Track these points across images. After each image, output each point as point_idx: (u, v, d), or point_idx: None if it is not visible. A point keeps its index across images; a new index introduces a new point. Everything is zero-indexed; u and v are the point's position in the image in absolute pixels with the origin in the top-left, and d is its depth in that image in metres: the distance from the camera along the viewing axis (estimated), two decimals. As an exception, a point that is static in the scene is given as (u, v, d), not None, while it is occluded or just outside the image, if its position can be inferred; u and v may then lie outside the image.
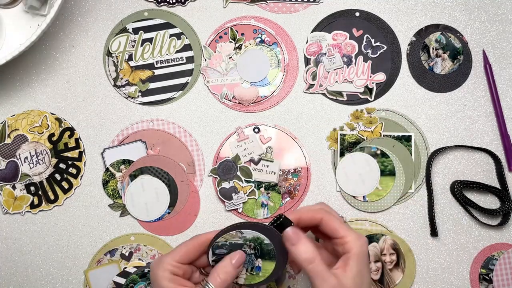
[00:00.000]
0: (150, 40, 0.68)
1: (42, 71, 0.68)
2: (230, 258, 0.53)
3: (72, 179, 0.67)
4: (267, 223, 0.53)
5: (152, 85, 0.68)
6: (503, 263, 0.67)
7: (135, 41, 0.68)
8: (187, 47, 0.69)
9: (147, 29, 0.69)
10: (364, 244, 0.53)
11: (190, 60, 0.68)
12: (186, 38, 0.69)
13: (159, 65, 0.68)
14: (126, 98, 0.68)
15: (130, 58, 0.68)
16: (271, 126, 0.68)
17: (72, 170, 0.67)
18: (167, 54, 0.68)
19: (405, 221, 0.67)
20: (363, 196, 0.67)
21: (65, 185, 0.66)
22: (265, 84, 0.68)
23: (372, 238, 0.66)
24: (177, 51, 0.68)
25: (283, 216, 0.52)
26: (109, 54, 0.68)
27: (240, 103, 0.68)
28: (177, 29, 0.69)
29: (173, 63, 0.68)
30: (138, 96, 0.68)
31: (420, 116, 0.68)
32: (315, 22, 0.69)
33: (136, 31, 0.68)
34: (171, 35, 0.69)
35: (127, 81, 0.68)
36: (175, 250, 0.53)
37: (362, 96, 0.68)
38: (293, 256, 0.52)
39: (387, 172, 0.67)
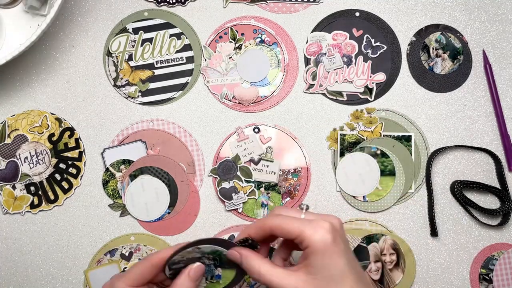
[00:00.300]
0: (150, 40, 0.68)
1: (42, 71, 0.68)
2: (188, 271, 0.50)
3: (72, 179, 0.67)
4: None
5: (152, 85, 0.68)
6: (503, 263, 0.67)
7: (135, 41, 0.68)
8: (187, 47, 0.69)
9: (147, 29, 0.69)
10: (324, 234, 0.47)
11: (190, 60, 0.68)
12: (186, 38, 0.69)
13: (159, 65, 0.68)
14: (126, 98, 0.68)
15: (130, 58, 0.68)
16: (271, 126, 0.68)
17: (72, 170, 0.67)
18: (167, 54, 0.68)
19: (405, 221, 0.67)
20: (363, 196, 0.67)
21: (65, 185, 0.66)
22: (265, 84, 0.68)
23: (372, 238, 0.66)
24: (177, 51, 0.68)
25: (249, 240, 0.50)
26: (109, 54, 0.68)
27: (240, 103, 0.68)
28: (177, 29, 0.69)
29: (173, 63, 0.68)
30: (138, 96, 0.68)
31: (420, 116, 0.68)
32: (315, 22, 0.69)
33: (136, 31, 0.68)
34: (171, 35, 0.69)
35: (127, 81, 0.68)
36: (127, 273, 0.51)
37: (362, 96, 0.68)
38: (246, 271, 0.50)
39: (387, 172, 0.67)
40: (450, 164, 0.68)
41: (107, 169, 0.67)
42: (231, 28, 0.69)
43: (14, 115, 0.67)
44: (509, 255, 0.67)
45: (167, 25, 0.69)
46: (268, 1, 0.69)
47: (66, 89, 0.68)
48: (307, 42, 0.69)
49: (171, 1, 0.69)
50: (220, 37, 0.69)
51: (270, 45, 0.69)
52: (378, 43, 0.69)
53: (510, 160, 0.68)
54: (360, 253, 0.66)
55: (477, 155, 0.68)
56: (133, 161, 0.67)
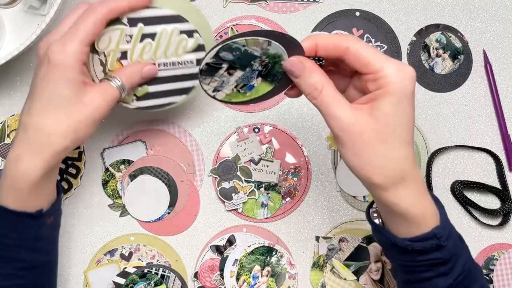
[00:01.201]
0: (152, 36, 0.53)
1: (42, 71, 0.68)
2: (142, 66, 0.51)
3: (71, 179, 0.67)
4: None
5: (152, 88, 0.56)
6: (503, 263, 0.67)
7: (131, 36, 0.53)
8: (200, 48, 0.55)
9: (150, 21, 0.53)
10: (407, 78, 0.41)
11: (201, 62, 0.55)
12: (201, 37, 0.55)
13: (161, 67, 0.55)
14: (117, 103, 0.55)
15: (123, 56, 0.53)
16: (271, 126, 0.68)
17: (72, 170, 0.67)
18: (173, 56, 0.55)
19: (405, 221, 0.67)
20: (363, 196, 0.67)
21: (64, 185, 0.66)
22: (265, 84, 0.68)
23: (372, 238, 0.66)
24: (187, 53, 0.55)
25: (296, 41, 0.42)
26: (94, 50, 0.52)
27: (240, 103, 0.68)
28: (189, 24, 0.54)
29: (180, 66, 0.55)
30: (133, 100, 0.56)
31: (420, 116, 0.68)
32: (315, 21, 0.69)
33: (133, 22, 0.52)
34: (181, 32, 0.54)
35: None
36: (77, 29, 0.47)
37: (362, 96, 0.68)
38: (300, 87, 0.44)
39: (387, 172, 0.67)
40: (451, 164, 0.68)
41: (106, 169, 0.67)
42: (232, 28, 0.69)
43: (14, 115, 0.67)
44: (510, 255, 0.67)
45: (176, 19, 0.54)
46: (268, 1, 0.69)
47: (66, 89, 0.68)
48: (307, 42, 0.69)
49: (171, 1, 0.68)
50: (220, 36, 0.69)
51: (270, 45, 0.69)
52: (378, 43, 0.69)
53: (511, 160, 0.67)
54: (360, 253, 0.66)
55: (477, 155, 0.68)
56: (133, 161, 0.67)
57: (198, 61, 0.54)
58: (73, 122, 0.48)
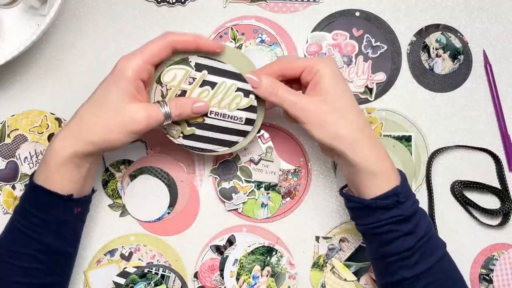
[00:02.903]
0: (212, 84, 0.57)
1: (42, 71, 0.68)
2: (195, 101, 0.56)
3: (72, 179, 0.66)
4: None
5: (198, 132, 0.59)
6: (503, 263, 0.67)
7: (194, 79, 0.57)
8: (252, 109, 0.58)
9: (214, 71, 0.57)
10: (329, 61, 0.55)
11: (249, 122, 0.59)
12: (256, 99, 0.58)
13: (213, 115, 0.58)
14: (166, 134, 0.59)
15: (182, 94, 0.57)
16: (271, 126, 0.68)
17: (72, 170, 0.67)
18: (225, 108, 0.58)
19: (405, 221, 0.67)
20: (363, 196, 0.67)
21: (65, 185, 0.66)
22: (265, 84, 0.68)
23: (372, 238, 0.66)
24: (239, 110, 0.58)
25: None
26: (159, 81, 0.57)
27: (240, 103, 0.68)
28: (248, 85, 0.57)
29: (230, 119, 0.58)
30: (179, 137, 0.59)
31: (420, 116, 0.68)
32: (315, 22, 0.69)
33: (199, 68, 0.57)
34: (238, 89, 0.58)
35: None
36: (145, 48, 0.54)
37: (362, 96, 0.68)
38: (261, 95, 0.57)
39: (387, 172, 0.67)
40: (450, 164, 0.68)
41: (107, 169, 0.67)
42: (232, 28, 0.69)
43: (14, 115, 0.67)
44: (509, 255, 0.67)
45: (238, 77, 0.58)
46: (268, 1, 0.69)
47: (66, 89, 0.68)
48: (307, 42, 0.69)
49: (171, 1, 0.69)
50: (221, 36, 0.69)
51: (270, 45, 0.69)
52: (378, 43, 0.69)
53: (510, 160, 0.67)
54: (361, 254, 0.66)
55: (477, 155, 0.68)
56: (133, 161, 0.67)
57: (248, 120, 0.59)
58: (106, 122, 0.53)
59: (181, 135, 0.59)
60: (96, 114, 0.53)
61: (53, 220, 0.54)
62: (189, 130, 0.59)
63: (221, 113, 0.58)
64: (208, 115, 0.58)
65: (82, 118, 0.54)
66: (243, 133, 0.60)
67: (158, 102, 0.55)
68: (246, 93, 0.58)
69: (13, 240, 0.54)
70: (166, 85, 0.57)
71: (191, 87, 0.57)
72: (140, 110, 0.53)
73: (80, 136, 0.53)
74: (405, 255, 0.53)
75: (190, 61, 0.57)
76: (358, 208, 0.56)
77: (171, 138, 0.59)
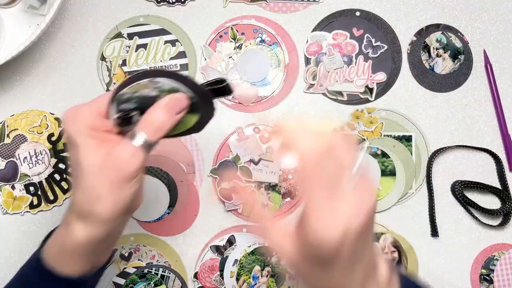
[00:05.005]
0: (144, 46, 0.68)
1: (42, 71, 0.68)
2: (164, 103, 0.43)
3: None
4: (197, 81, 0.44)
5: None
6: (503, 264, 0.66)
7: (129, 47, 0.68)
8: (181, 54, 0.68)
9: (142, 34, 0.68)
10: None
11: (184, 67, 0.68)
12: (181, 45, 0.68)
13: None
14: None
15: (124, 63, 0.68)
16: (271, 126, 0.68)
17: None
18: (161, 61, 0.68)
19: (405, 221, 0.67)
20: (364, 196, 0.67)
21: (64, 185, 0.66)
22: (265, 84, 0.68)
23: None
24: (171, 58, 0.68)
25: (225, 82, 0.43)
26: (103, 58, 0.67)
27: (240, 103, 0.68)
28: (172, 35, 0.68)
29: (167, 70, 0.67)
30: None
31: (420, 116, 0.68)
32: (315, 21, 0.69)
33: (131, 36, 0.68)
34: (165, 42, 0.68)
35: None
36: (94, 101, 0.44)
37: (362, 96, 0.68)
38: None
39: (388, 172, 0.67)
40: (451, 164, 0.68)
41: (106, 169, 0.67)
42: (231, 28, 0.69)
43: (13, 115, 0.67)
44: (510, 256, 0.67)
45: (162, 31, 0.68)
46: (268, 1, 0.69)
47: (65, 89, 0.68)
48: (307, 41, 0.69)
49: (171, 1, 0.69)
50: (220, 36, 0.69)
51: (270, 45, 0.69)
52: (378, 43, 0.69)
53: (511, 160, 0.67)
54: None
55: (477, 155, 0.68)
56: (133, 161, 0.67)
57: (181, 66, 0.65)
58: (96, 190, 0.43)
59: None
60: (78, 188, 0.44)
61: None
62: None
63: (158, 66, 0.66)
64: None
65: (73, 198, 0.45)
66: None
67: (127, 134, 0.44)
68: (173, 42, 0.67)
69: None
70: (110, 59, 0.65)
71: (129, 54, 0.66)
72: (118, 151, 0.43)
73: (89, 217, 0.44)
74: None
75: (123, 34, 0.67)
76: None
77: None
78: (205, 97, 0.44)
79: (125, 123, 0.44)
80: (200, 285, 0.65)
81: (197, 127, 0.47)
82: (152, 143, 0.43)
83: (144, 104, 0.43)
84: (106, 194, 0.43)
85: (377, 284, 0.41)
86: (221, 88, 0.44)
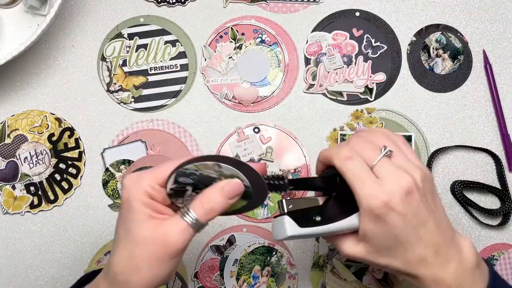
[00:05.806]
0: (145, 46, 0.68)
1: (42, 71, 0.68)
2: (222, 185, 0.44)
3: (72, 179, 0.67)
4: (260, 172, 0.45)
5: (145, 91, 0.68)
6: (503, 263, 0.67)
7: (129, 47, 0.68)
8: (181, 55, 0.68)
9: (142, 35, 0.68)
10: (378, 198, 0.42)
11: (184, 67, 0.68)
12: (181, 45, 0.68)
13: (153, 71, 0.68)
14: (119, 104, 0.68)
15: (124, 63, 0.68)
16: (271, 126, 0.68)
17: (72, 170, 0.67)
18: (161, 61, 0.68)
19: (405, 221, 0.67)
20: (363, 196, 0.67)
21: (65, 185, 0.66)
22: (265, 84, 0.68)
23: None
24: (172, 58, 0.68)
25: (285, 181, 0.45)
26: (103, 58, 0.68)
27: (240, 103, 0.68)
28: (172, 36, 0.68)
29: (167, 70, 0.68)
30: (131, 102, 0.68)
31: (420, 116, 0.68)
32: (315, 22, 0.69)
33: (131, 36, 0.68)
34: (166, 42, 0.68)
35: (120, 87, 0.68)
36: (156, 169, 0.44)
37: (362, 96, 0.68)
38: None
39: (387, 172, 0.67)
40: (450, 164, 0.68)
41: (107, 169, 0.67)
42: (232, 28, 0.69)
43: (14, 115, 0.67)
44: (509, 255, 0.67)
45: (162, 32, 0.69)
46: (268, 1, 0.69)
47: (66, 89, 0.68)
48: (307, 42, 0.69)
49: (171, 1, 0.69)
50: (221, 36, 0.69)
51: (270, 45, 0.69)
52: (378, 43, 0.69)
53: (511, 160, 0.67)
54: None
55: (477, 155, 0.68)
56: (133, 161, 0.67)
57: (182, 66, 0.66)
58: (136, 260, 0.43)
59: (132, 100, 0.66)
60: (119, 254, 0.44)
61: None
62: (136, 92, 0.66)
63: (159, 67, 0.67)
64: (149, 72, 0.67)
65: (110, 263, 0.45)
66: (183, 80, 0.66)
67: (179, 210, 0.45)
68: (173, 42, 0.68)
69: None
70: (110, 59, 0.67)
71: (129, 54, 0.67)
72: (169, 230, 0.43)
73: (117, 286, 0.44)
74: None
75: (123, 34, 0.67)
76: None
77: (124, 106, 0.64)
78: (261, 190, 0.45)
79: (177, 195, 0.45)
80: (200, 284, 0.65)
81: (241, 211, 0.48)
82: (202, 223, 0.44)
83: (200, 183, 0.44)
84: (146, 268, 0.42)
85: (459, 265, 0.44)
86: (279, 185, 0.45)
